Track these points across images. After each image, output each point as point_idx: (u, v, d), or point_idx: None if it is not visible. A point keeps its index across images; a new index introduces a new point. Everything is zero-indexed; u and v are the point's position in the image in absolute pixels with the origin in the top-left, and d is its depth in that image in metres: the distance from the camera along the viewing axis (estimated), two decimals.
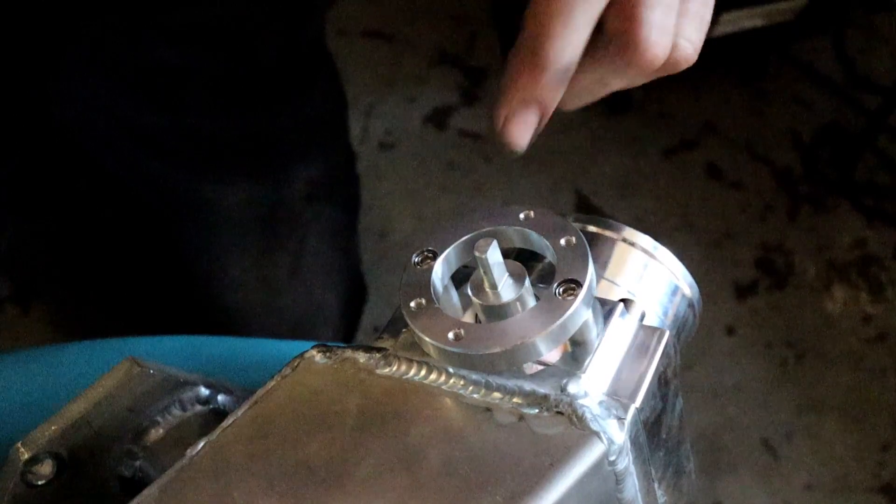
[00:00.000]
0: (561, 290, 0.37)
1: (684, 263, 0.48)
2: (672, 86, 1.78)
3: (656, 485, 0.42)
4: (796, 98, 1.78)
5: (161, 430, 0.49)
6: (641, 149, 1.72)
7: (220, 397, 0.50)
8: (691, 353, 1.54)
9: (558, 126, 1.74)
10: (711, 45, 1.76)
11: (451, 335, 0.37)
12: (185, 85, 0.90)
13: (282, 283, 1.05)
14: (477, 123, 1.76)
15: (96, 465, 0.48)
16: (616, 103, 1.75)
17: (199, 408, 0.49)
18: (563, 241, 0.39)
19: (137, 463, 0.48)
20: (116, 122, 0.94)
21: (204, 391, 0.50)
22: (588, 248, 0.38)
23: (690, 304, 0.47)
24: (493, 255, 0.38)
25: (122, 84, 0.92)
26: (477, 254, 0.38)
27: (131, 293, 1.08)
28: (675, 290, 0.47)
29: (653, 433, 0.40)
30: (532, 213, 0.40)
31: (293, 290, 1.05)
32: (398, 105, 1.77)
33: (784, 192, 1.69)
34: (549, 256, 0.39)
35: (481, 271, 0.38)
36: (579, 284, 0.37)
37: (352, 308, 1.18)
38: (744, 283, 1.60)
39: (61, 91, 0.93)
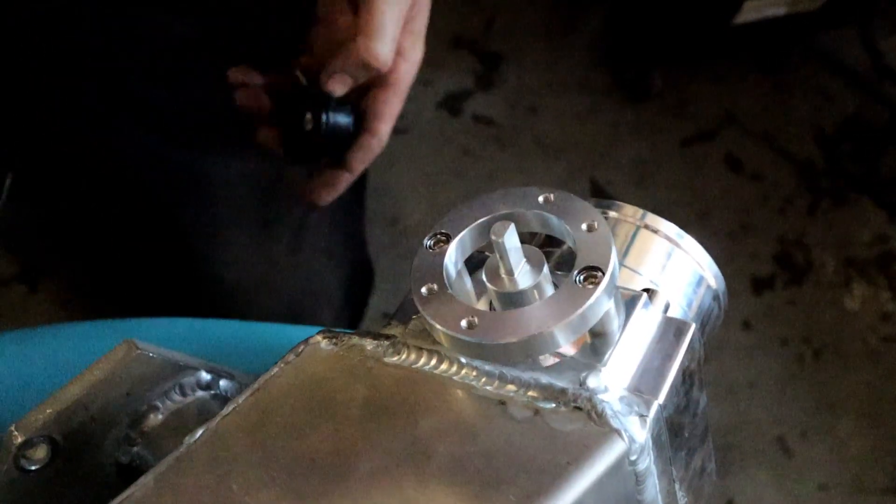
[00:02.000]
0: (581, 277, 0.35)
1: None
2: (692, 75, 1.75)
3: (677, 485, 0.40)
4: (819, 90, 1.75)
5: (160, 416, 0.47)
6: (659, 138, 1.70)
7: (222, 382, 0.48)
8: (706, 346, 1.51)
9: (574, 113, 1.71)
10: (733, 34, 1.74)
11: (463, 323, 0.35)
12: (184, 57, 0.88)
13: (281, 259, 1.03)
14: (492, 109, 1.73)
15: (93, 451, 0.46)
16: (635, 92, 1.73)
17: (199, 393, 0.48)
18: (584, 226, 0.37)
19: (135, 449, 0.47)
20: (113, 96, 0.92)
21: (205, 376, 0.48)
22: (611, 234, 0.36)
23: (716, 296, 0.45)
24: (510, 239, 0.35)
25: (120, 56, 0.90)
26: (493, 238, 0.35)
27: (133, 270, 1.07)
28: (700, 280, 0.44)
29: (675, 431, 0.37)
30: (552, 196, 0.38)
31: (292, 268, 1.03)
32: (412, 89, 1.74)
33: (804, 185, 1.66)
34: (569, 242, 0.37)
35: (497, 256, 0.36)
36: (601, 272, 0.35)
37: (356, 292, 1.16)
38: (761, 278, 1.58)
39: (59, 64, 0.91)
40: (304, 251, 1.05)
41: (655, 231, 0.44)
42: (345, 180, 0.83)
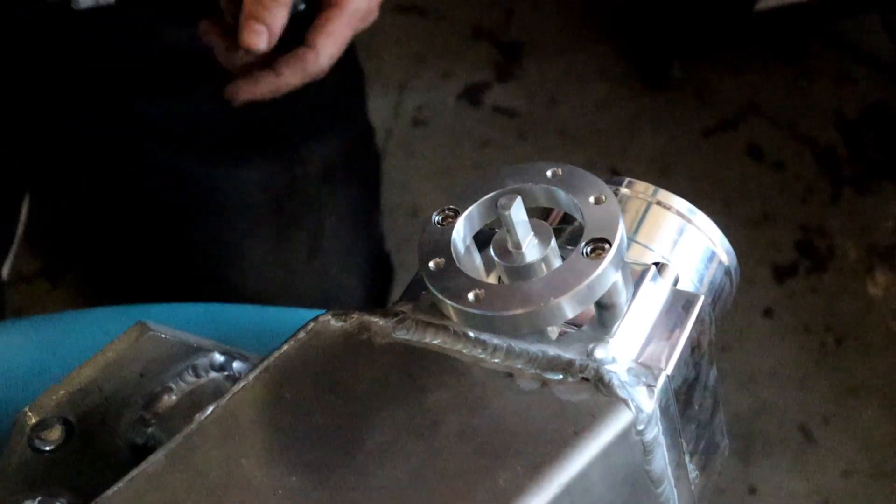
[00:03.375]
0: (588, 249, 0.35)
1: None
2: (713, 63, 1.74)
3: (687, 458, 0.40)
4: (841, 77, 1.74)
5: (174, 397, 0.47)
6: (680, 128, 1.69)
7: (236, 364, 0.48)
8: (728, 335, 1.51)
9: (595, 103, 1.71)
10: (754, 21, 1.73)
11: (471, 296, 0.35)
12: (194, 69, 0.88)
13: (299, 265, 1.02)
14: (512, 100, 1.73)
15: (107, 432, 0.46)
16: (655, 81, 1.72)
17: (213, 374, 0.48)
18: (592, 199, 0.37)
19: (149, 430, 0.47)
20: (121, 112, 0.93)
21: (218, 357, 0.48)
22: (618, 207, 0.36)
23: (727, 272, 0.45)
24: (517, 211, 0.35)
25: (127, 72, 0.91)
26: (500, 210, 0.35)
27: (151, 281, 1.07)
28: (712, 256, 0.44)
29: (685, 403, 0.37)
30: (560, 171, 0.38)
31: (312, 273, 1.03)
32: (432, 81, 1.74)
33: (826, 173, 1.65)
34: (577, 215, 0.37)
35: (505, 230, 0.36)
36: (608, 243, 0.35)
37: (376, 288, 1.15)
38: (783, 266, 1.57)
39: (68, 79, 0.92)
40: (322, 255, 1.04)
41: (667, 207, 0.44)
42: (268, 83, 0.78)
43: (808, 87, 1.74)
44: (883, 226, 1.60)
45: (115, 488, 0.37)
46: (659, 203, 0.44)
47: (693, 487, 0.42)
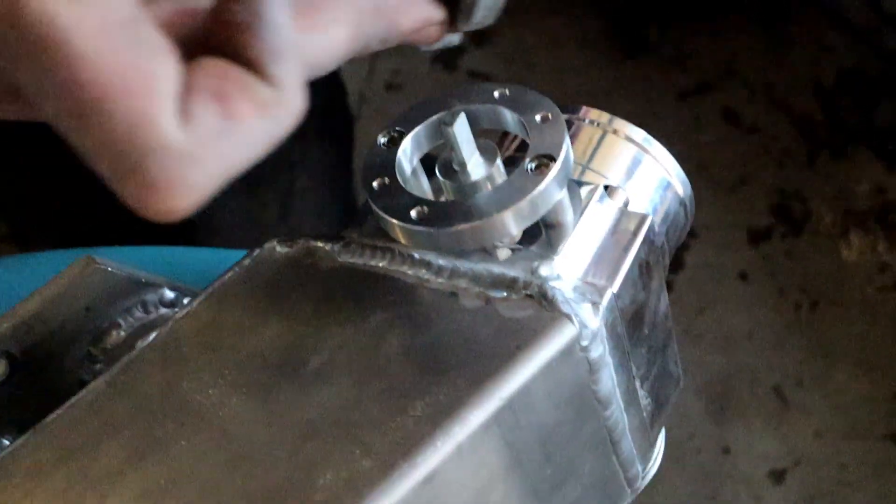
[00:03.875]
0: (533, 165, 0.34)
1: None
2: (690, 28, 1.73)
3: (638, 384, 0.39)
4: (819, 42, 1.73)
5: (122, 333, 0.46)
6: (656, 92, 1.68)
7: (186, 300, 0.48)
8: (703, 298, 1.51)
9: (571, 67, 1.70)
10: None
11: (414, 213, 0.35)
12: None
13: (270, 225, 1.01)
14: (488, 65, 1.72)
15: (54, 368, 0.45)
16: (632, 45, 1.71)
17: (163, 310, 0.47)
18: (538, 118, 0.36)
19: (97, 366, 0.46)
20: None
21: (169, 293, 0.47)
22: (564, 124, 0.36)
23: (682, 203, 0.44)
24: (461, 128, 0.35)
25: None
26: (444, 126, 0.35)
27: (118, 241, 1.06)
28: (667, 186, 0.44)
29: (633, 325, 0.37)
30: (507, 91, 0.37)
31: (283, 231, 1.02)
32: (406, 45, 1.73)
33: (803, 138, 1.65)
34: (522, 134, 0.36)
35: (449, 148, 0.35)
36: (553, 160, 0.34)
37: None
38: (759, 229, 1.57)
39: None
40: (294, 214, 1.03)
41: (623, 136, 0.43)
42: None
43: (785, 52, 1.73)
44: (858, 190, 1.60)
45: (54, 415, 0.37)
46: (614, 131, 0.43)
47: (645, 415, 0.41)
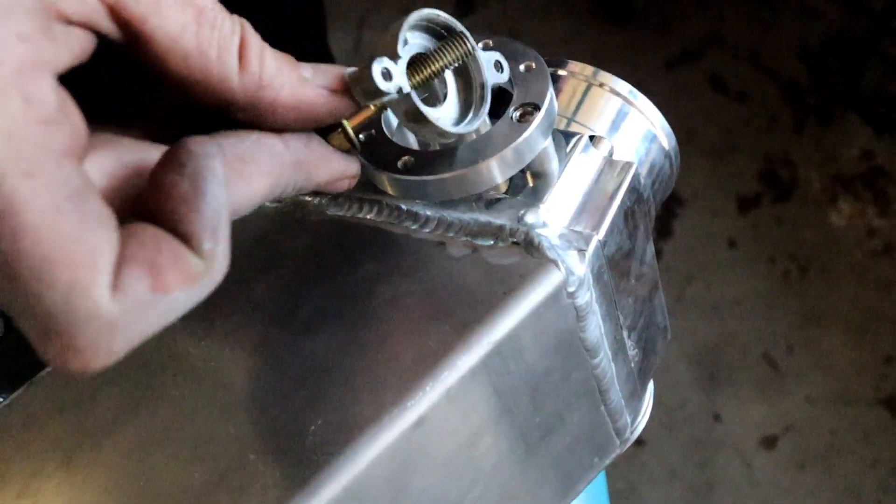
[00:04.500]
0: (517, 114, 0.35)
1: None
2: None
3: (626, 334, 0.40)
4: (804, 8, 1.74)
5: None
6: (643, 60, 1.68)
7: None
8: (692, 266, 1.52)
9: (557, 37, 1.70)
10: None
11: (400, 164, 0.35)
12: None
13: None
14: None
15: None
16: (617, 13, 1.71)
17: None
18: (522, 67, 0.36)
19: None
20: None
21: None
22: (548, 74, 0.36)
23: (668, 155, 0.45)
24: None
25: None
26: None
27: None
28: (652, 138, 0.44)
29: (620, 273, 0.37)
30: (491, 42, 0.38)
31: None
32: (392, 17, 1.72)
33: (790, 104, 1.65)
34: (507, 85, 0.37)
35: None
36: (537, 108, 0.35)
37: None
38: (747, 196, 1.58)
39: None
40: None
41: (607, 88, 0.44)
42: None
43: (772, 18, 1.73)
44: (846, 155, 1.60)
45: (49, 368, 0.37)
46: (600, 84, 0.44)
47: (633, 365, 0.42)
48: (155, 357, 0.36)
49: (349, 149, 0.34)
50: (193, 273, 0.27)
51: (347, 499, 0.31)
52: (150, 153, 0.29)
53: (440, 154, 0.35)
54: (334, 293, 0.35)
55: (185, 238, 0.27)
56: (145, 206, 0.28)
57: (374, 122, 0.37)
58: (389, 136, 0.37)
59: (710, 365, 1.45)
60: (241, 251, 0.39)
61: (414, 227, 0.36)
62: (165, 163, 0.28)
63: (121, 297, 0.26)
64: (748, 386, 1.44)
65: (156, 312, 0.27)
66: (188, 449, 0.33)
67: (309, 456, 0.31)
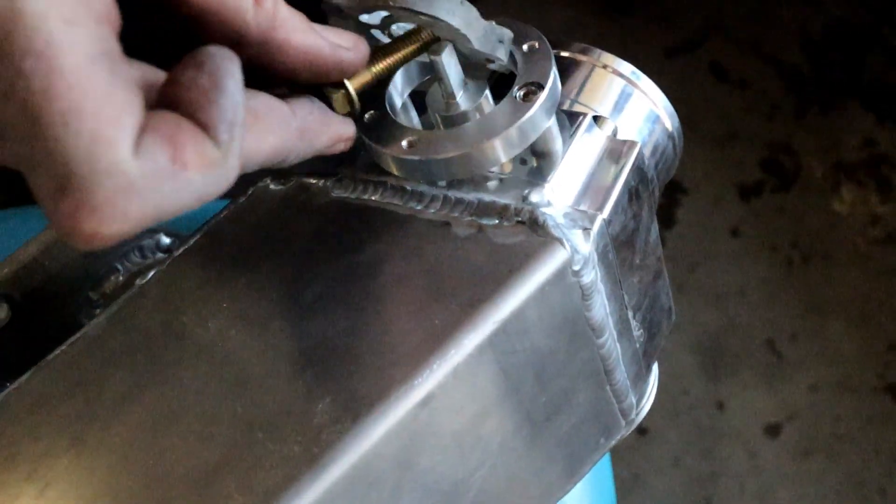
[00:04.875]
0: (521, 93, 0.35)
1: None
2: None
3: (630, 314, 0.40)
4: None
5: (121, 277, 0.47)
6: (643, 49, 1.68)
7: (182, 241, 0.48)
8: (695, 254, 1.52)
9: (558, 26, 1.69)
10: None
11: (404, 143, 0.35)
12: None
13: (265, 176, 1.02)
14: None
15: (55, 312, 0.46)
16: (618, 2, 1.71)
17: (160, 255, 0.48)
18: (525, 47, 0.36)
19: (97, 311, 0.46)
20: None
21: (165, 239, 0.48)
22: (552, 53, 0.36)
23: (671, 136, 0.45)
24: (449, 58, 0.35)
25: None
26: (431, 57, 0.35)
27: None
28: (656, 119, 0.44)
29: (624, 253, 0.37)
30: (495, 23, 0.38)
31: None
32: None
33: (791, 91, 1.65)
34: (511, 66, 0.37)
35: (438, 79, 0.36)
36: (541, 87, 0.35)
37: None
38: (749, 185, 1.57)
39: None
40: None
41: (610, 69, 0.44)
42: None
43: (772, 5, 1.73)
44: (848, 142, 1.60)
45: (57, 351, 0.37)
46: (603, 66, 0.44)
47: (638, 346, 0.42)
48: (162, 337, 0.36)
49: (348, 112, 0.35)
50: (211, 158, 0.28)
51: (356, 477, 0.31)
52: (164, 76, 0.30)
53: (445, 134, 0.35)
54: (340, 274, 0.35)
55: (203, 126, 0.27)
56: (164, 100, 0.28)
57: (378, 102, 0.37)
58: (394, 117, 0.37)
59: (713, 353, 1.45)
60: (246, 234, 0.39)
61: (419, 208, 0.36)
62: (185, 62, 0.28)
63: (141, 159, 0.26)
64: (751, 374, 1.44)
65: (172, 187, 0.27)
66: (196, 428, 0.33)
67: (317, 434, 0.31)
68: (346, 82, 0.34)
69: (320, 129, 0.33)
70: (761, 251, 1.53)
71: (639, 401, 0.45)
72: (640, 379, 0.44)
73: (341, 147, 0.35)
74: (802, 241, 1.53)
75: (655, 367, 0.47)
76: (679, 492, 1.37)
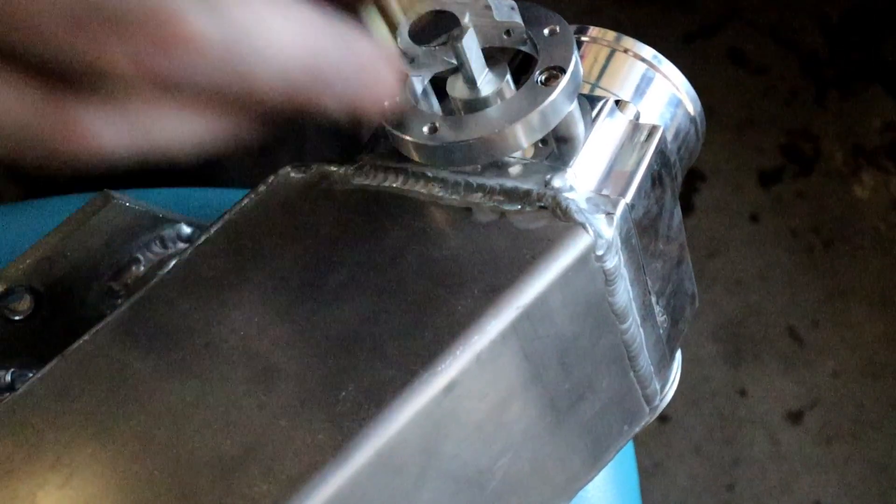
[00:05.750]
0: (542, 78, 0.35)
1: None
2: None
3: (654, 299, 0.40)
4: None
5: (142, 268, 0.47)
6: (661, 35, 1.67)
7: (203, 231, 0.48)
8: (715, 241, 1.51)
9: (575, 14, 1.69)
10: None
11: (425, 129, 0.35)
12: None
13: (286, 166, 1.02)
14: None
15: (77, 303, 0.46)
16: None
17: (181, 245, 0.47)
18: (546, 31, 0.36)
19: (119, 301, 0.47)
20: None
21: (186, 229, 0.48)
22: (573, 37, 0.36)
23: (693, 121, 0.44)
24: (470, 42, 0.35)
25: None
26: (453, 41, 0.35)
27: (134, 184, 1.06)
28: (678, 103, 0.44)
29: (648, 238, 0.37)
30: (514, 6, 0.37)
31: None
32: None
33: (810, 76, 1.64)
34: (530, 49, 0.36)
35: (458, 64, 0.36)
36: (562, 71, 0.34)
37: None
38: (769, 170, 1.57)
39: None
40: (309, 155, 1.04)
41: (631, 53, 0.43)
42: None
43: None
44: (869, 127, 1.59)
45: (80, 341, 0.37)
46: (624, 50, 0.43)
47: (661, 332, 0.42)
48: (184, 327, 0.36)
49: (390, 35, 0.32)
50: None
51: (380, 464, 0.31)
52: None
53: (466, 119, 0.35)
54: (362, 262, 0.35)
55: None
56: None
57: (399, 87, 0.37)
58: (414, 103, 0.37)
59: (734, 340, 1.45)
60: (267, 222, 0.39)
61: (440, 194, 0.36)
62: None
63: None
64: (773, 361, 1.43)
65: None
66: (220, 417, 0.33)
67: (340, 422, 0.31)
68: None
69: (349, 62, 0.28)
70: (782, 237, 1.52)
71: (662, 387, 0.45)
72: (663, 365, 0.43)
73: (379, 100, 0.30)
74: (823, 226, 1.52)
75: (679, 354, 0.47)
76: (701, 479, 1.37)
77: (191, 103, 0.28)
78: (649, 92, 0.43)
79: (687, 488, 1.36)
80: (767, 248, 1.51)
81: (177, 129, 0.28)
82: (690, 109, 0.44)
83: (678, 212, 0.40)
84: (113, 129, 0.27)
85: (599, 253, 0.34)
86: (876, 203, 1.53)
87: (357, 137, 1.16)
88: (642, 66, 0.43)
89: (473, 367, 0.32)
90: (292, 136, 1.02)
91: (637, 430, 0.44)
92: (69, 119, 0.26)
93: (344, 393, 0.32)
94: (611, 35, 0.43)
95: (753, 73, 1.64)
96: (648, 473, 1.36)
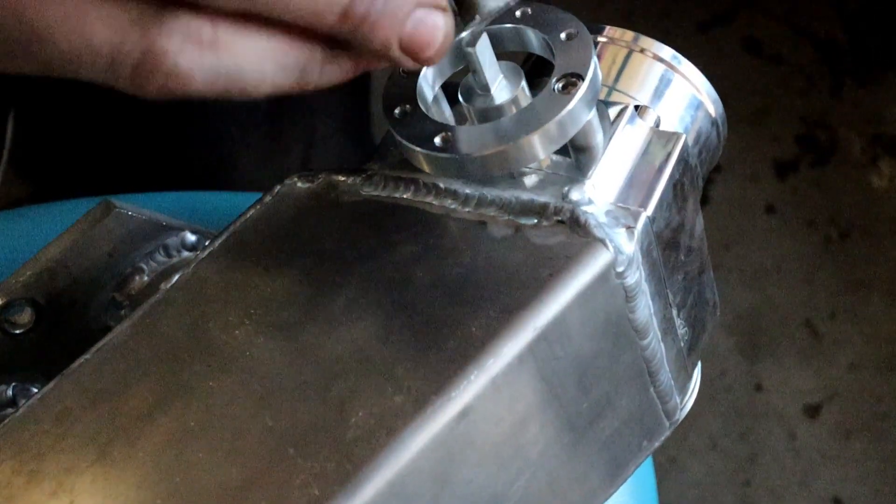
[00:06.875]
0: (560, 85, 0.33)
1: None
2: None
3: (675, 312, 0.38)
4: None
5: (145, 278, 0.45)
6: (675, 23, 1.65)
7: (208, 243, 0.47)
8: (730, 232, 1.49)
9: (587, 3, 1.67)
10: None
11: (438, 140, 0.33)
12: None
13: (293, 174, 1.01)
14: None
15: (79, 314, 0.45)
16: None
17: (185, 254, 0.46)
18: (563, 35, 0.34)
19: (122, 312, 0.45)
20: None
21: (190, 237, 0.46)
22: (591, 41, 0.34)
23: (714, 123, 0.43)
24: (483, 49, 0.33)
25: None
26: (465, 48, 0.33)
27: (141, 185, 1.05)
28: (698, 105, 0.42)
29: (669, 250, 0.36)
30: (530, 10, 0.36)
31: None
32: None
33: (826, 64, 1.61)
34: (547, 54, 0.35)
35: (471, 70, 0.34)
36: (581, 78, 0.33)
37: None
38: (785, 161, 1.54)
39: None
40: (316, 163, 1.03)
41: (650, 54, 0.42)
42: None
43: None
44: (886, 116, 1.57)
45: (81, 360, 0.36)
46: (641, 50, 0.42)
47: (682, 345, 0.40)
48: (188, 346, 0.35)
49: None
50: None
51: (391, 494, 0.30)
52: None
53: (479, 129, 0.33)
54: (371, 278, 0.34)
55: None
56: None
57: (409, 97, 0.35)
58: (425, 112, 0.35)
59: (750, 333, 1.43)
60: (274, 234, 0.37)
61: (453, 207, 0.35)
62: None
63: None
64: (790, 354, 1.41)
65: None
66: (225, 443, 0.32)
67: (350, 449, 0.30)
68: None
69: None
70: (798, 228, 1.50)
71: (682, 399, 0.43)
72: (684, 378, 0.42)
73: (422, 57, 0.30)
74: (840, 217, 1.50)
75: (698, 363, 0.45)
76: (718, 474, 1.35)
77: (271, 36, 0.29)
78: (668, 94, 0.42)
79: (703, 484, 1.35)
80: (784, 239, 1.49)
81: (256, 64, 0.29)
82: (712, 111, 0.43)
83: (700, 220, 0.38)
84: (195, 59, 0.28)
85: (620, 269, 0.32)
86: (894, 193, 1.51)
87: (365, 143, 1.15)
88: (661, 67, 0.42)
89: (488, 391, 0.31)
90: (300, 140, 1.01)
91: (657, 445, 0.42)
92: (155, 45, 0.28)
93: (354, 418, 0.31)
94: (629, 35, 0.42)
95: (769, 62, 1.62)
96: (664, 469, 1.35)
